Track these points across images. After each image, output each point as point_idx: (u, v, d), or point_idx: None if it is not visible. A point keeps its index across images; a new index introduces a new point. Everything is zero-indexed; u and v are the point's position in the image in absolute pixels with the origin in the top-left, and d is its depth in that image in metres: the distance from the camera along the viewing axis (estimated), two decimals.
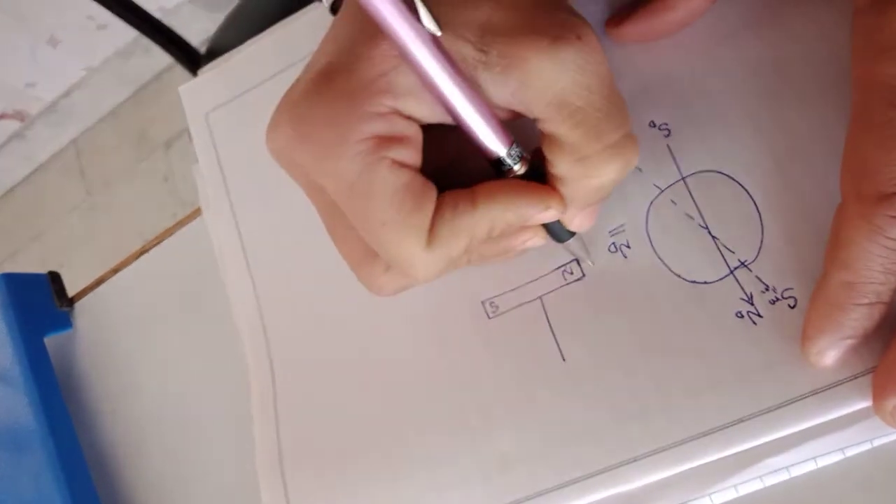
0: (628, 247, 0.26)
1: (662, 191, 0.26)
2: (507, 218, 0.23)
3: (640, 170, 0.27)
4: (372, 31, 0.22)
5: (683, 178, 0.26)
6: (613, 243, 0.27)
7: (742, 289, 0.24)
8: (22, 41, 1.39)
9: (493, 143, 0.23)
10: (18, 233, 1.62)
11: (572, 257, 0.27)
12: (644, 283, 0.26)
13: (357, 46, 0.22)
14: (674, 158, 0.26)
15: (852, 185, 0.21)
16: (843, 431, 0.22)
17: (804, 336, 0.22)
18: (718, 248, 0.25)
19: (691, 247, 0.25)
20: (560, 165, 0.23)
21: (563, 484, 0.25)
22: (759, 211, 0.25)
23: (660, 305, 0.25)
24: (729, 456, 0.23)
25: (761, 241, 0.24)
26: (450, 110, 0.22)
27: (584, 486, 0.24)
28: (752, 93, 0.26)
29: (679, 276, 0.25)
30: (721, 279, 0.25)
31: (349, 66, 0.22)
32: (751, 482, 0.23)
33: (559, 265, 0.27)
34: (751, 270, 0.24)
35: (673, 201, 0.26)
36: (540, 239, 0.25)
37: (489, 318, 0.28)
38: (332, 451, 0.29)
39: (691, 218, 0.26)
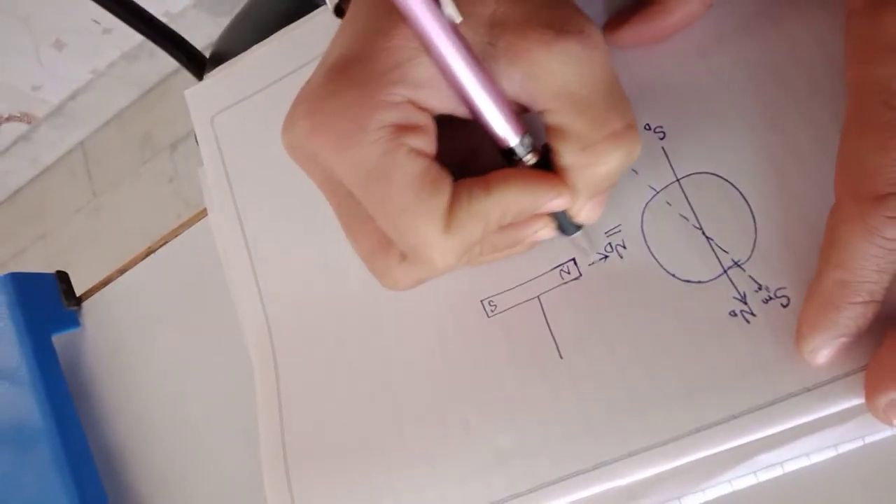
0: (624, 247, 0.27)
1: (658, 192, 0.27)
2: (521, 203, 0.24)
3: (635, 172, 0.27)
4: (385, 25, 0.22)
5: (678, 180, 0.26)
6: (609, 243, 0.27)
7: (735, 288, 0.24)
8: (28, 44, 1.39)
9: (506, 131, 0.23)
10: (24, 233, 1.63)
11: (569, 257, 0.27)
12: (639, 282, 0.26)
13: (371, 39, 0.23)
14: (669, 160, 0.27)
15: (848, 185, 0.21)
16: (836, 428, 0.22)
17: (798, 334, 0.22)
18: (712, 249, 0.25)
19: (686, 247, 0.26)
20: (566, 155, 0.23)
21: (560, 478, 0.25)
22: (752, 212, 0.25)
23: (655, 304, 0.25)
24: (723, 451, 0.23)
25: (754, 242, 0.25)
26: (465, 97, 0.23)
27: (581, 481, 0.25)
28: (747, 95, 0.26)
29: (674, 275, 0.26)
30: (715, 278, 0.25)
31: (364, 57, 0.23)
32: (745, 477, 0.23)
33: (556, 265, 0.28)
34: (744, 270, 0.24)
35: (668, 202, 0.26)
36: (550, 230, 0.26)
37: (488, 316, 0.28)
38: (334, 448, 0.29)
39: (686, 219, 0.26)
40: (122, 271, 0.40)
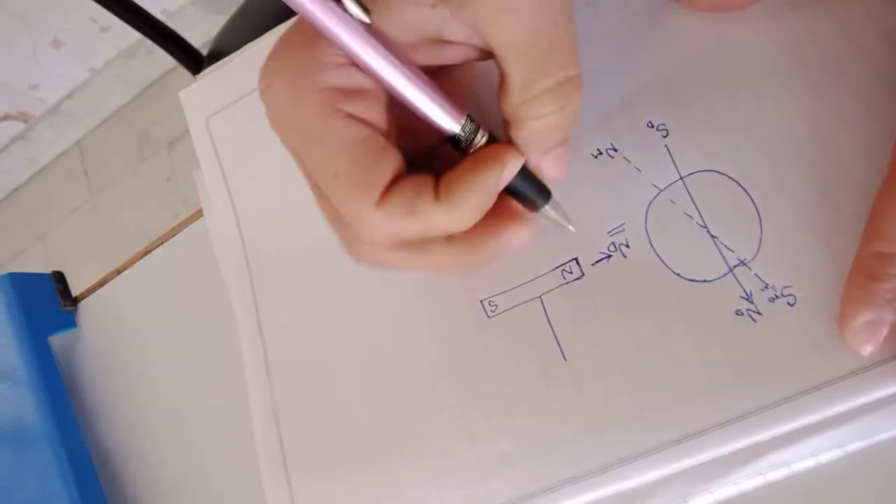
0: (627, 246, 0.26)
1: (661, 191, 0.26)
2: (474, 202, 0.23)
3: (638, 170, 0.27)
4: None
5: (682, 178, 0.26)
6: (613, 242, 0.27)
7: (741, 287, 0.24)
8: (25, 43, 1.39)
9: (445, 120, 0.23)
10: (22, 233, 1.63)
11: (571, 257, 0.27)
12: (644, 281, 0.26)
13: None
14: (672, 158, 0.26)
15: None
16: (844, 427, 0.22)
17: (841, 314, 0.22)
18: (717, 247, 0.25)
19: (690, 245, 0.25)
20: (508, 106, 0.23)
21: (564, 482, 0.25)
22: (757, 209, 0.25)
23: (659, 304, 0.25)
24: (730, 452, 0.23)
25: (760, 240, 0.24)
26: (396, 95, 0.22)
27: (586, 484, 0.24)
28: (750, 92, 0.26)
29: (678, 274, 0.25)
30: (720, 277, 0.25)
31: None
32: (752, 478, 0.23)
33: (558, 264, 0.27)
34: (750, 269, 0.24)
35: (672, 201, 0.26)
36: (523, 232, 0.24)
37: (489, 317, 0.28)
38: (334, 451, 0.29)
39: (690, 217, 0.26)
40: (119, 271, 0.40)
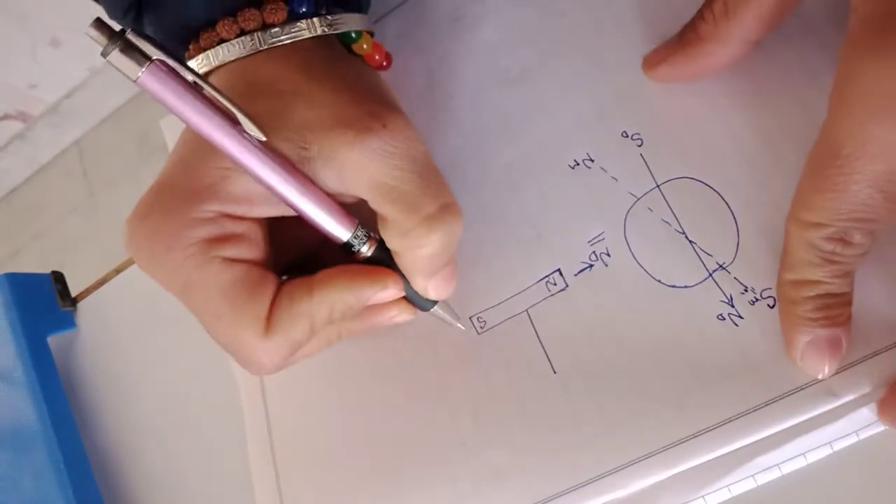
0: (608, 255, 0.27)
1: (638, 199, 0.27)
2: (347, 301, 0.25)
3: (615, 179, 0.27)
4: (204, 147, 0.24)
5: (658, 186, 0.26)
6: (594, 252, 0.27)
7: (722, 291, 0.25)
8: (24, 42, 1.38)
9: (336, 229, 0.25)
10: (20, 233, 1.62)
11: (554, 268, 0.27)
12: (626, 290, 0.26)
13: (188, 161, 0.24)
14: (648, 167, 0.27)
15: (797, 209, 0.22)
16: (830, 426, 0.22)
17: (784, 343, 0.23)
18: (696, 252, 0.25)
19: (670, 252, 0.26)
20: (390, 240, 0.25)
21: (557, 494, 0.25)
22: (733, 213, 0.25)
23: (643, 312, 0.25)
24: (720, 457, 0.23)
25: (738, 243, 0.25)
26: (290, 206, 0.24)
27: (579, 495, 0.24)
28: (723, 98, 0.26)
29: (659, 281, 0.26)
30: (701, 282, 0.25)
31: (177, 180, 0.24)
32: (743, 482, 0.23)
33: (541, 277, 0.28)
34: (729, 272, 0.25)
35: (649, 208, 0.26)
36: (407, 314, 0.27)
37: (478, 333, 0.28)
38: (325, 463, 0.29)
39: (668, 224, 0.26)
40: (118, 271, 0.40)
